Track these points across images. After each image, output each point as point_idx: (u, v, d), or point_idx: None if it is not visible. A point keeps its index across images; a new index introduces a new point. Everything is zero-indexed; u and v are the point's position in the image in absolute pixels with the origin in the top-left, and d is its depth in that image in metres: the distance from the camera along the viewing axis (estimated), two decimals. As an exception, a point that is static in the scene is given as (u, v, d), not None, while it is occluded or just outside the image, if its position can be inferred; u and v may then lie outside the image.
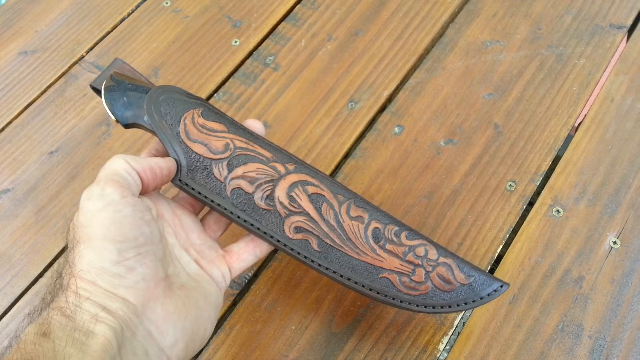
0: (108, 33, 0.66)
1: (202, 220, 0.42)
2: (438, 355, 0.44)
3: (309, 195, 0.39)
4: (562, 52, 0.58)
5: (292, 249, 0.39)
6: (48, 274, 0.52)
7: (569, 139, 0.53)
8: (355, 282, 0.39)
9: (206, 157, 0.39)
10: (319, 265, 0.39)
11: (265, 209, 0.39)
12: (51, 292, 0.31)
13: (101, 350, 0.27)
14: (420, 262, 0.38)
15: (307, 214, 0.39)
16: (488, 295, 0.38)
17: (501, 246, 0.48)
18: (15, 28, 0.68)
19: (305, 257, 0.39)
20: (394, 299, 0.38)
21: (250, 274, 0.49)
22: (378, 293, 0.38)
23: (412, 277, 0.38)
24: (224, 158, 0.39)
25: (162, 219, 0.38)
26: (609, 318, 0.44)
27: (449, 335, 0.45)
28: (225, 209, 0.39)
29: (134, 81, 0.42)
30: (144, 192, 0.36)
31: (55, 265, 0.52)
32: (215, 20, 0.65)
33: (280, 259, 0.49)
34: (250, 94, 0.59)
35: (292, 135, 0.56)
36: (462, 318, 0.46)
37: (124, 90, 0.41)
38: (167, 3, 0.68)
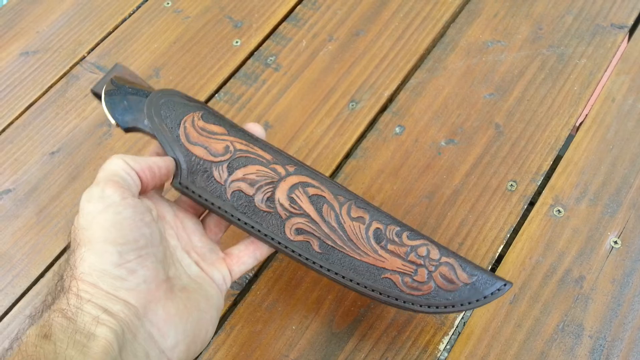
0: (109, 34, 0.67)
1: (202, 222, 0.42)
2: (438, 355, 0.44)
3: (310, 197, 0.39)
4: (563, 52, 0.58)
5: (293, 251, 0.39)
6: (49, 274, 0.52)
7: (570, 138, 0.53)
8: (358, 283, 0.38)
9: (206, 160, 0.39)
10: (321, 266, 0.39)
11: (265, 211, 0.39)
12: (52, 294, 0.31)
13: (102, 352, 0.27)
14: (422, 262, 0.38)
15: (308, 216, 0.39)
16: (492, 294, 0.38)
17: (502, 246, 0.48)
18: (16, 29, 0.68)
19: (307, 258, 0.39)
20: (396, 299, 0.38)
21: (251, 274, 0.49)
22: (380, 294, 0.38)
23: (415, 277, 0.38)
24: (224, 160, 0.39)
25: (164, 221, 0.38)
26: (610, 318, 0.44)
27: (450, 335, 0.45)
28: (226, 211, 0.39)
29: (134, 85, 0.42)
30: (143, 191, 0.36)
31: (56, 267, 0.52)
32: (217, 21, 0.66)
33: (281, 259, 0.49)
34: (251, 94, 0.60)
35: (293, 135, 0.56)
36: (462, 318, 0.46)
37: (125, 94, 0.41)
38: (168, 4, 0.68)
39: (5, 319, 0.50)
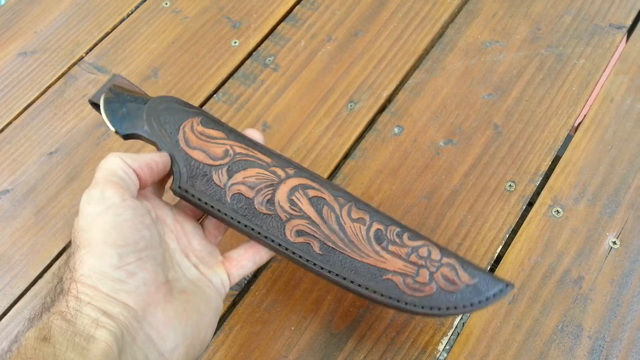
0: (107, 34, 0.66)
1: (201, 225, 0.41)
2: (438, 355, 0.44)
3: (310, 199, 0.39)
4: (561, 52, 0.58)
5: (293, 253, 0.38)
6: (47, 275, 0.52)
7: (568, 139, 0.53)
8: (359, 285, 0.38)
9: (206, 164, 0.39)
10: (322, 268, 0.38)
11: (265, 214, 0.39)
12: (52, 297, 0.31)
13: (102, 355, 0.27)
14: (423, 263, 0.38)
15: (308, 217, 0.39)
16: (493, 295, 0.37)
17: (501, 246, 0.48)
18: (14, 29, 0.68)
19: (307, 260, 0.38)
20: (398, 300, 0.38)
21: (249, 275, 0.49)
22: (382, 295, 0.38)
23: (416, 279, 0.37)
24: (223, 164, 0.39)
25: (163, 224, 0.38)
26: (609, 318, 0.44)
27: (449, 336, 0.45)
28: (226, 214, 0.39)
29: (133, 93, 0.42)
30: (141, 187, 0.36)
31: (55, 269, 0.52)
32: (215, 21, 0.65)
33: (280, 260, 0.49)
34: (249, 94, 0.59)
35: (292, 135, 0.56)
36: (461, 318, 0.46)
37: (123, 101, 0.41)
38: (166, 4, 0.68)
39: (3, 320, 0.49)
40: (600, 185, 0.50)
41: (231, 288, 0.48)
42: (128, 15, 0.68)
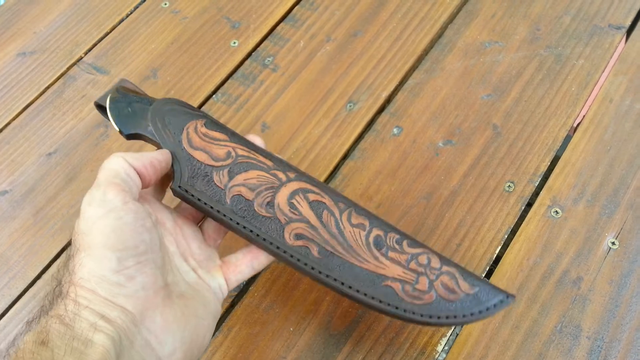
0: (107, 34, 0.66)
1: (200, 229, 0.41)
2: (437, 356, 0.44)
3: (310, 203, 0.39)
4: (560, 53, 0.58)
5: (291, 256, 0.38)
6: (46, 275, 0.52)
7: (567, 139, 0.53)
8: (357, 290, 0.37)
9: (207, 165, 0.39)
10: (320, 272, 0.38)
11: (265, 216, 0.39)
12: (50, 300, 0.31)
13: (100, 359, 0.27)
14: (423, 271, 0.37)
15: (308, 221, 0.38)
16: (494, 306, 0.36)
17: (500, 247, 0.48)
18: (13, 29, 0.68)
19: (306, 264, 0.38)
20: (396, 307, 0.37)
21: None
22: (380, 302, 0.37)
23: (416, 286, 0.37)
24: (225, 165, 0.39)
25: (163, 228, 0.38)
26: (608, 319, 0.44)
27: (447, 337, 0.45)
28: (225, 215, 0.39)
29: (138, 95, 0.43)
30: (145, 186, 0.36)
31: (54, 272, 0.51)
32: (214, 22, 0.65)
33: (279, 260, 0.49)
34: (249, 95, 0.59)
35: (291, 136, 0.56)
36: (460, 319, 0.46)
37: (129, 102, 0.42)
38: (165, 4, 0.68)
39: (2, 321, 0.49)
40: (599, 186, 0.50)
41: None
42: (127, 16, 0.68)
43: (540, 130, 0.54)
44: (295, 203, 0.39)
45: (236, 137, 0.41)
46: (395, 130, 0.55)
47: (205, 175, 0.39)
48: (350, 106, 0.57)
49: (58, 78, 0.64)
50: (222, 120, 0.58)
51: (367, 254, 0.38)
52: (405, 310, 0.37)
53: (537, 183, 0.51)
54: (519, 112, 0.55)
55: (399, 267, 0.37)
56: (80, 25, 0.67)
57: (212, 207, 0.39)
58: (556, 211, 0.49)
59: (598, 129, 0.53)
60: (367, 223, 0.39)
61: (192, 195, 0.39)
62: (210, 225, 0.42)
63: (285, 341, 0.45)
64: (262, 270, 0.49)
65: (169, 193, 0.42)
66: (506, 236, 0.49)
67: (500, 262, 0.47)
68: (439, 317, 0.36)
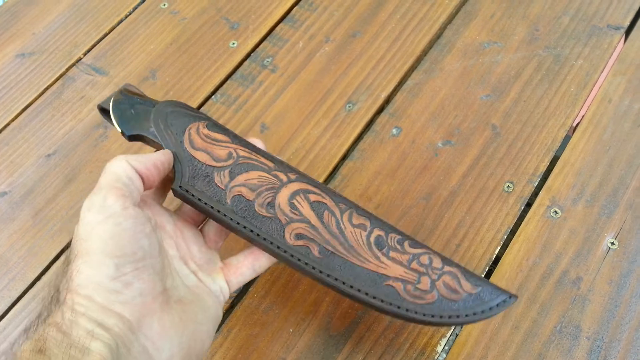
0: (105, 35, 0.66)
1: (201, 232, 0.41)
2: (436, 357, 0.44)
3: (311, 203, 0.39)
4: (559, 53, 0.58)
5: (292, 255, 0.38)
6: (45, 277, 0.51)
7: (566, 139, 0.53)
8: (359, 290, 0.37)
9: (208, 165, 0.39)
10: (321, 272, 0.38)
11: (265, 216, 0.39)
12: (47, 308, 0.31)
13: None
14: (425, 270, 0.37)
15: (309, 221, 0.38)
16: (497, 305, 0.36)
17: (499, 247, 0.48)
18: (12, 30, 0.68)
19: (306, 263, 0.38)
20: (399, 307, 0.37)
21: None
22: (382, 301, 0.37)
23: (418, 286, 0.37)
24: (226, 166, 0.39)
25: (163, 231, 0.37)
26: (607, 319, 0.44)
27: (447, 337, 0.45)
28: (225, 215, 0.39)
29: (141, 97, 0.43)
30: (148, 188, 0.36)
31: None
32: (213, 22, 0.65)
33: (279, 261, 0.49)
34: (248, 95, 0.59)
35: (290, 137, 0.56)
36: (460, 320, 0.46)
37: (132, 103, 0.42)
38: (164, 5, 0.68)
39: (1, 323, 0.49)
40: (599, 186, 0.50)
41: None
42: (126, 17, 0.68)
43: (539, 131, 0.54)
44: (296, 203, 0.39)
45: (237, 139, 0.41)
46: (394, 131, 0.55)
47: (206, 176, 0.39)
48: (349, 107, 0.57)
49: (57, 79, 0.64)
50: (221, 121, 0.58)
51: (369, 253, 0.38)
52: (407, 310, 0.37)
53: (537, 183, 0.51)
54: (518, 113, 0.55)
55: (400, 267, 0.37)
56: (79, 26, 0.67)
57: (212, 207, 0.39)
58: (555, 211, 0.49)
59: (597, 129, 0.53)
60: (368, 223, 0.39)
61: (193, 195, 0.39)
62: (211, 227, 0.41)
63: (285, 342, 0.45)
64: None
65: (169, 196, 0.42)
66: (505, 236, 0.49)
67: (499, 263, 0.47)
68: (441, 317, 0.36)
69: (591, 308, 0.45)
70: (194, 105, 0.59)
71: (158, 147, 0.41)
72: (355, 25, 0.63)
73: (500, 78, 0.57)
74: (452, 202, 0.51)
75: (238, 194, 0.39)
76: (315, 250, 0.38)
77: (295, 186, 0.39)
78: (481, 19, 0.61)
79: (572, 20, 0.60)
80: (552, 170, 0.52)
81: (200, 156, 0.39)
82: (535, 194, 0.51)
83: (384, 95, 0.58)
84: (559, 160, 0.52)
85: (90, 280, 0.30)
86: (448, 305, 0.36)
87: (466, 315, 0.36)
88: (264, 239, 0.38)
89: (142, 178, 0.35)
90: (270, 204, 0.39)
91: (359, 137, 0.56)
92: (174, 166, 0.39)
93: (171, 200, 0.43)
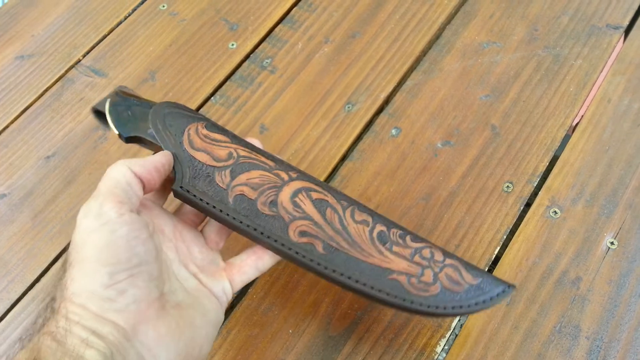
0: (105, 37, 0.67)
1: (202, 232, 0.41)
2: (436, 357, 0.44)
3: (313, 201, 0.39)
4: (559, 53, 0.58)
5: (297, 252, 0.38)
6: (45, 279, 0.51)
7: (566, 139, 0.53)
8: (364, 284, 0.38)
9: (209, 165, 0.39)
10: (326, 268, 0.38)
11: (268, 215, 0.39)
12: (42, 316, 0.31)
13: None
14: (427, 263, 0.38)
15: (312, 219, 0.39)
16: (497, 295, 0.37)
17: (498, 247, 0.48)
18: (11, 32, 0.68)
19: (311, 260, 0.38)
20: (404, 300, 0.37)
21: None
22: (388, 294, 0.37)
23: (421, 278, 0.37)
24: (227, 166, 0.39)
25: (162, 234, 0.37)
26: (607, 319, 0.44)
27: (447, 338, 0.45)
28: (228, 214, 0.39)
29: (137, 99, 0.43)
30: (149, 191, 0.36)
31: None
32: (212, 24, 0.65)
33: (278, 262, 0.49)
34: (247, 97, 0.59)
35: (290, 138, 0.56)
36: (459, 320, 0.46)
37: (129, 105, 0.42)
38: (163, 6, 0.68)
39: (0, 325, 0.49)
40: (598, 186, 0.50)
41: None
42: (125, 18, 0.68)
43: (538, 131, 0.54)
44: (299, 201, 0.39)
45: (237, 139, 0.41)
46: (393, 131, 0.55)
47: (207, 176, 0.39)
48: (348, 107, 0.57)
49: (56, 81, 0.64)
50: (220, 122, 0.58)
51: (372, 248, 0.38)
52: (412, 302, 0.37)
53: (536, 183, 0.51)
54: (517, 113, 0.55)
55: (403, 260, 0.38)
56: (78, 28, 0.67)
57: (215, 207, 0.39)
58: (555, 211, 0.49)
59: (596, 129, 0.53)
60: (370, 219, 0.39)
61: (194, 196, 0.39)
62: (211, 228, 0.41)
63: (285, 343, 0.45)
64: (261, 272, 0.49)
65: (169, 197, 0.42)
66: (505, 236, 0.49)
67: (499, 263, 0.47)
68: (445, 308, 0.37)
69: (591, 308, 0.45)
70: (193, 106, 0.59)
71: (156, 148, 0.41)
72: (355, 25, 0.63)
73: (499, 78, 0.57)
74: (452, 203, 0.51)
75: (240, 193, 0.39)
76: (319, 247, 0.38)
77: (297, 184, 0.39)
78: (480, 19, 0.61)
79: (571, 20, 0.60)
80: (551, 170, 0.52)
81: (201, 156, 0.40)
82: (534, 194, 0.51)
83: (383, 96, 0.58)
84: (558, 160, 0.52)
85: (83, 289, 0.30)
86: (451, 297, 0.37)
87: (468, 306, 0.37)
88: (269, 237, 0.38)
89: (143, 182, 0.35)
90: (273, 203, 0.39)
91: (359, 138, 0.56)
92: (174, 167, 0.39)
93: (170, 201, 0.43)
